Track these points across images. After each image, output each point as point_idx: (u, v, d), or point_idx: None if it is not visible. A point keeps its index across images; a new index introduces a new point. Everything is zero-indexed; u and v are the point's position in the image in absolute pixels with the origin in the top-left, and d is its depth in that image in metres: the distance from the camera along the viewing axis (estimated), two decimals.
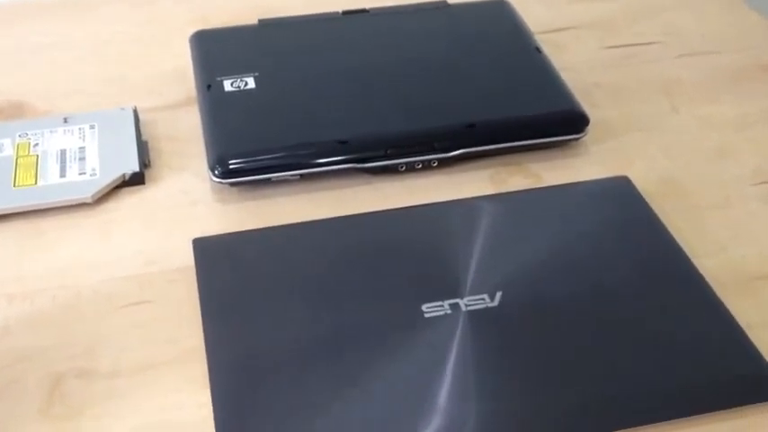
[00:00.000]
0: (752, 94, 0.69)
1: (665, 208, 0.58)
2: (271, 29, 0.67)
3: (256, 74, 0.63)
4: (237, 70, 0.63)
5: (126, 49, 0.72)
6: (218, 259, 0.52)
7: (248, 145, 0.58)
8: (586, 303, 0.49)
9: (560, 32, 0.76)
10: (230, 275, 0.51)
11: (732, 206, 0.59)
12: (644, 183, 0.59)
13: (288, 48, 0.65)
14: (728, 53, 0.74)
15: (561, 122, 0.62)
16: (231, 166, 0.57)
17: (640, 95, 0.69)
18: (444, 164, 0.61)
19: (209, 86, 0.62)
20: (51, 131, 0.61)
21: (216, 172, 0.57)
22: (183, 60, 0.68)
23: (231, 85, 0.62)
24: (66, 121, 0.62)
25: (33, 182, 0.57)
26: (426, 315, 0.49)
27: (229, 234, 0.53)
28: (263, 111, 0.60)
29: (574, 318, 0.49)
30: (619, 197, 0.57)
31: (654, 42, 0.75)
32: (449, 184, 0.60)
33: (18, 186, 0.57)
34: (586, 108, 0.63)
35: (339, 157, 0.58)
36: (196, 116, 0.64)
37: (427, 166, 0.60)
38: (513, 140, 0.61)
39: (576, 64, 0.71)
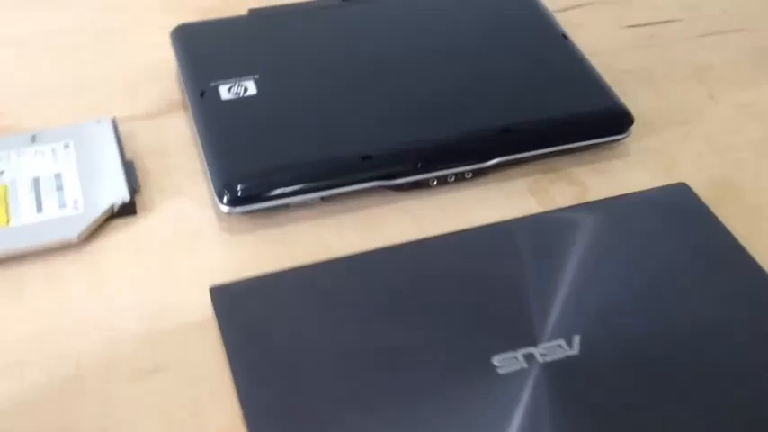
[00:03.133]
0: None
1: (724, 214, 0.52)
2: (264, 20, 0.59)
3: (256, 76, 0.54)
4: (234, 72, 0.54)
5: (90, 43, 0.62)
6: (242, 311, 0.44)
7: (260, 165, 0.49)
8: (680, 344, 0.43)
9: (572, 11, 0.69)
10: (260, 330, 0.43)
11: None
12: (696, 185, 0.53)
13: (287, 43, 0.57)
14: (754, 31, 0.68)
15: (604, 123, 0.55)
16: (242, 193, 0.48)
17: (672, 83, 0.63)
18: (478, 174, 0.53)
19: (202, 93, 0.53)
20: (18, 153, 0.52)
21: (225, 200, 0.48)
22: (159, 55, 0.60)
23: (229, 91, 0.53)
24: (34, 139, 0.53)
25: (5, 221, 0.48)
26: (500, 371, 0.41)
27: (252, 279, 0.45)
28: (271, 122, 0.52)
29: (670, 363, 0.42)
30: (683, 210, 0.51)
31: (674, 20, 0.69)
32: (485, 197, 0.53)
33: None
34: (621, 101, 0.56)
35: (364, 175, 0.50)
36: (183, 125, 0.56)
37: (460, 179, 0.53)
38: (554, 145, 0.54)
39: (596, 48, 0.64)
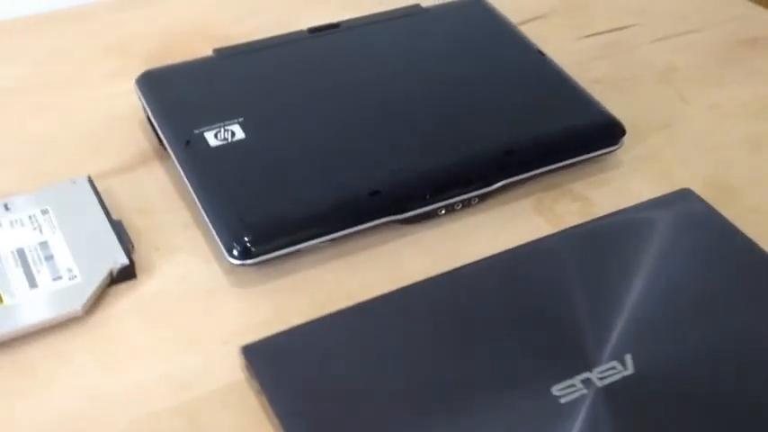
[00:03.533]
0: (752, 72, 0.64)
1: (729, 215, 0.51)
2: (232, 60, 0.56)
3: (240, 119, 0.51)
4: (216, 117, 0.51)
5: (37, 98, 0.58)
6: (282, 367, 0.41)
7: (265, 213, 0.47)
8: (730, 351, 0.43)
9: (529, 24, 0.68)
10: (308, 384, 0.40)
11: None
12: (693, 188, 0.53)
13: (264, 81, 0.54)
14: (708, 30, 0.69)
15: (599, 135, 0.55)
16: (252, 244, 0.45)
17: (642, 88, 0.63)
18: (483, 199, 0.52)
19: (187, 142, 0.50)
20: None
21: (235, 253, 0.45)
22: (115, 104, 0.56)
23: (216, 137, 0.50)
24: (7, 207, 0.48)
25: None
26: (562, 400, 0.40)
27: (283, 333, 0.42)
28: (267, 166, 0.49)
29: (724, 371, 0.42)
30: (695, 216, 0.50)
31: (630, 26, 0.69)
32: (493, 221, 0.52)
33: None
34: None
35: (374, 212, 0.48)
36: (162, 176, 0.53)
37: (467, 205, 0.51)
38: (555, 162, 0.53)
39: (560, 60, 0.64)
